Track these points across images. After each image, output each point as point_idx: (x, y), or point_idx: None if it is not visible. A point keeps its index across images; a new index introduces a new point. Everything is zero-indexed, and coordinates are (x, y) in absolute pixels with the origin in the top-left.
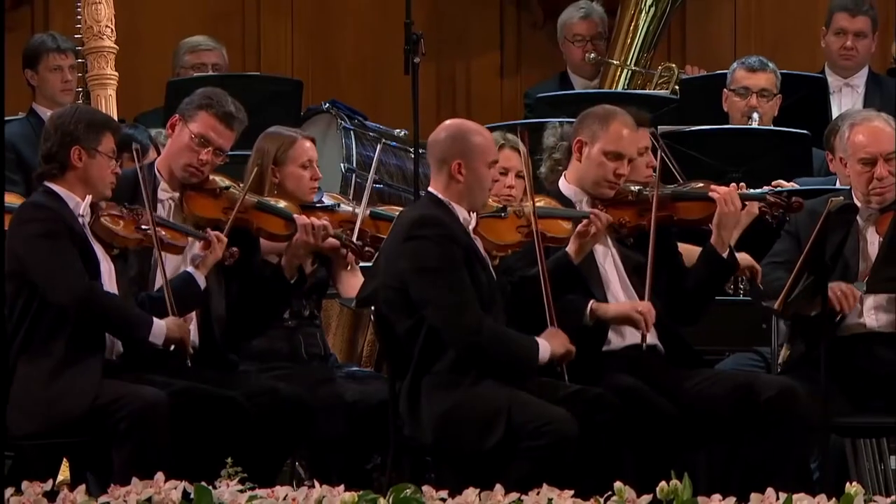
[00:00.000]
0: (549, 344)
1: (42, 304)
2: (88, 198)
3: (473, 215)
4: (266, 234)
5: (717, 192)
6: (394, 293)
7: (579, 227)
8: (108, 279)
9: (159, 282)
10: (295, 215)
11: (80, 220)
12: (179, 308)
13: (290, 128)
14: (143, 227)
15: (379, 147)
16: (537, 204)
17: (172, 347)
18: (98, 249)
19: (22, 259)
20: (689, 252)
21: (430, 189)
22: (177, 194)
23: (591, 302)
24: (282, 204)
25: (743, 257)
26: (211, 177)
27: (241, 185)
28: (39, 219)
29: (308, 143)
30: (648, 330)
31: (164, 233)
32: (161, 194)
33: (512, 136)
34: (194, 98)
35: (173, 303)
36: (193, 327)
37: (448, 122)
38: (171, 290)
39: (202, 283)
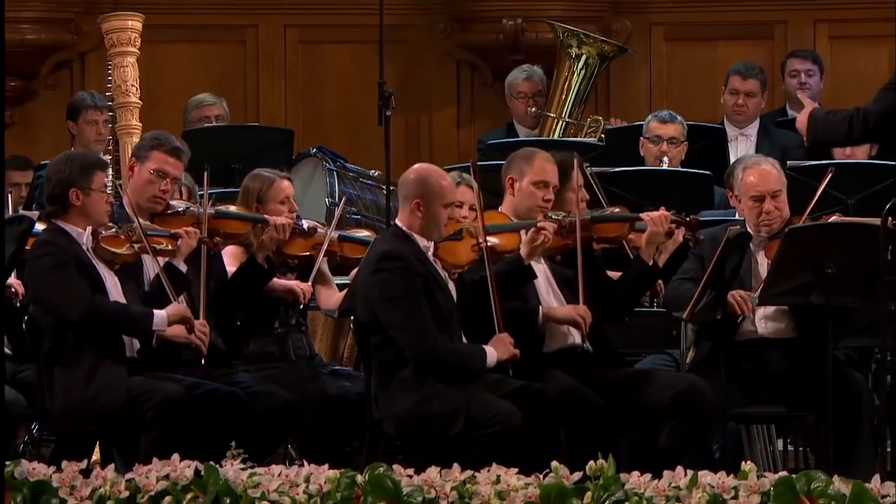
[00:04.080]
0: (495, 350)
1: (64, 323)
2: (89, 229)
3: (431, 244)
4: (229, 236)
5: (650, 216)
6: (366, 313)
7: (529, 233)
8: (115, 291)
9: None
10: (268, 216)
11: (84, 247)
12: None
13: (271, 169)
14: (136, 243)
15: (345, 183)
16: (490, 221)
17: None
18: (102, 268)
19: (38, 289)
20: None
21: (396, 221)
22: (147, 223)
23: (541, 307)
24: (237, 209)
25: None
26: (171, 202)
27: (199, 203)
28: (48, 253)
29: (285, 183)
30: (587, 330)
31: (153, 242)
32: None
33: (466, 175)
34: (145, 142)
35: (172, 289)
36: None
37: (417, 165)
38: (159, 280)
39: (183, 267)
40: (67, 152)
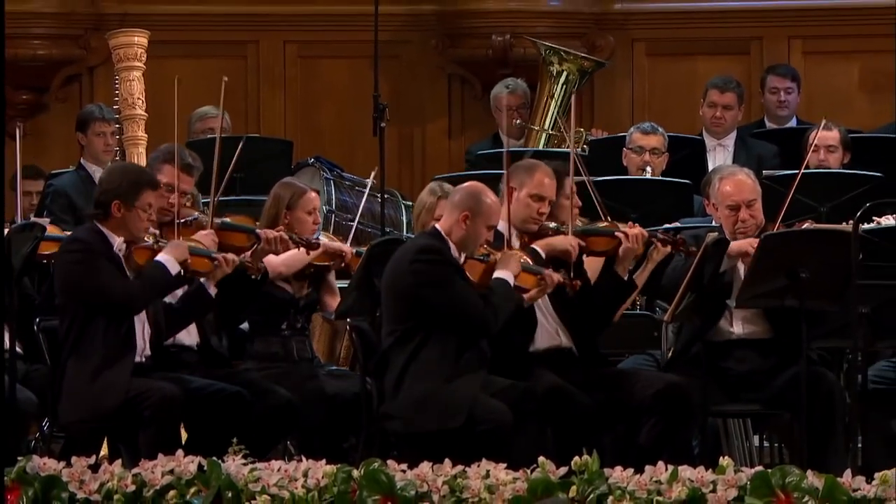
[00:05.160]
0: (508, 271)
1: (86, 318)
2: (121, 239)
3: (463, 255)
4: (232, 248)
5: (626, 232)
6: (396, 304)
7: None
8: None
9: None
10: (258, 230)
11: (116, 253)
12: (193, 313)
13: (301, 182)
14: None
15: (365, 197)
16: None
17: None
18: (131, 277)
19: (72, 278)
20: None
21: (437, 225)
22: (157, 231)
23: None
24: (240, 221)
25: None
26: (182, 211)
27: (206, 212)
28: (76, 249)
29: (314, 195)
30: (573, 258)
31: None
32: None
33: (448, 186)
34: (158, 155)
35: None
36: (194, 331)
37: (473, 182)
38: (186, 297)
39: (212, 291)
40: (125, 164)
